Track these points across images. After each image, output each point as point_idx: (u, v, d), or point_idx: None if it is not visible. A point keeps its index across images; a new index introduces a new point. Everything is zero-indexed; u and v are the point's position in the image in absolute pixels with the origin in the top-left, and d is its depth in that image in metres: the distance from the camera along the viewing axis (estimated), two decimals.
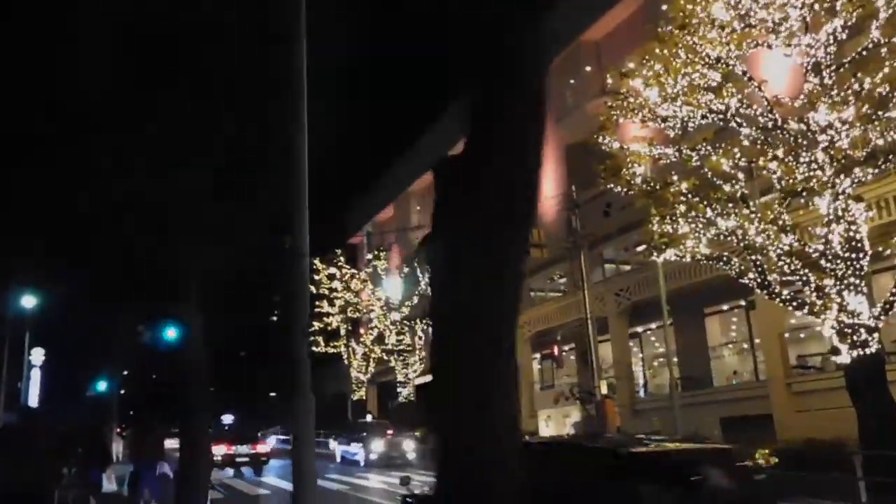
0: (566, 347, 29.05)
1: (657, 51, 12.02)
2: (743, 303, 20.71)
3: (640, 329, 23.77)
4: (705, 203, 11.46)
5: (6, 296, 23.85)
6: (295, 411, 4.82)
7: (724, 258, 12.15)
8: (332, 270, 31.09)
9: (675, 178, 11.64)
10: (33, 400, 30.03)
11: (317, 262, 31.19)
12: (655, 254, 12.45)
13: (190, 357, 8.61)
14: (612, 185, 13.35)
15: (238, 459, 24.29)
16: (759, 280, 11.67)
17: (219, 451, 23.43)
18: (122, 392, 39.41)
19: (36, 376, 30.41)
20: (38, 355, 30.18)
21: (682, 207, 11.69)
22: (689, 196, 11.54)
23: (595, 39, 25.75)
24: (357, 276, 29.41)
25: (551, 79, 27.25)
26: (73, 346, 37.36)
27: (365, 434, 25.02)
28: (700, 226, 11.68)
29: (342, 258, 29.10)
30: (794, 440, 14.49)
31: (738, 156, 10.97)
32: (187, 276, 8.63)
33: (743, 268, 11.99)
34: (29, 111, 9.35)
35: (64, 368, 35.49)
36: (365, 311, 29.14)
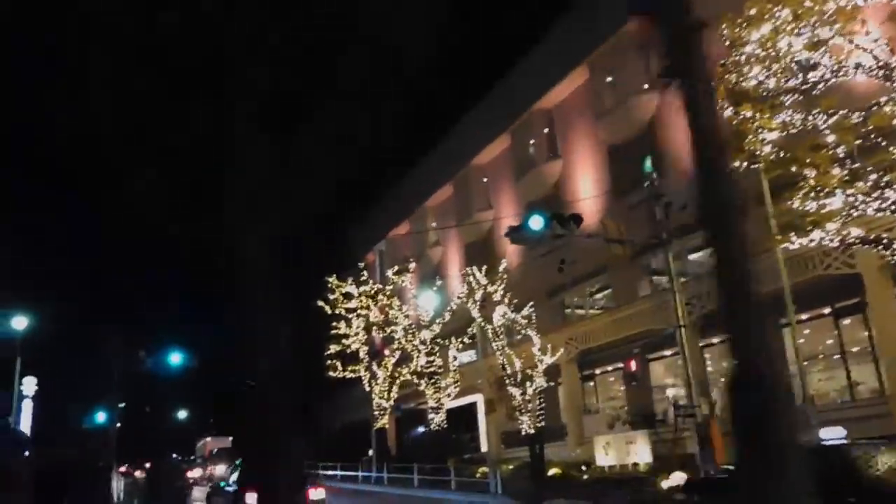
0: (609, 368, 26.68)
1: None
2: (827, 311, 18.42)
3: (701, 343, 21.38)
4: (867, 169, 9.21)
5: None
6: None
7: (884, 241, 9.86)
8: (350, 289, 28.62)
9: (830, 138, 9.36)
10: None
11: (332, 279, 28.76)
12: (794, 237, 10.14)
13: (277, 358, 6.15)
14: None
15: None
16: None
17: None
18: (119, 425, 36.59)
19: (27, 408, 27.60)
20: (30, 385, 27.42)
21: (835, 175, 9.40)
22: (848, 161, 9.27)
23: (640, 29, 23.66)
24: (383, 291, 26.92)
25: (589, 74, 25.19)
26: (67, 373, 34.62)
27: None
28: (859, 199, 9.38)
29: (365, 272, 26.66)
30: None
31: None
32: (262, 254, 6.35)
33: None
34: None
35: (57, 398, 32.71)
36: (389, 330, 26.63)
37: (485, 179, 32.87)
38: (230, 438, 39.30)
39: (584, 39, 25.31)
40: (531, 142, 29.28)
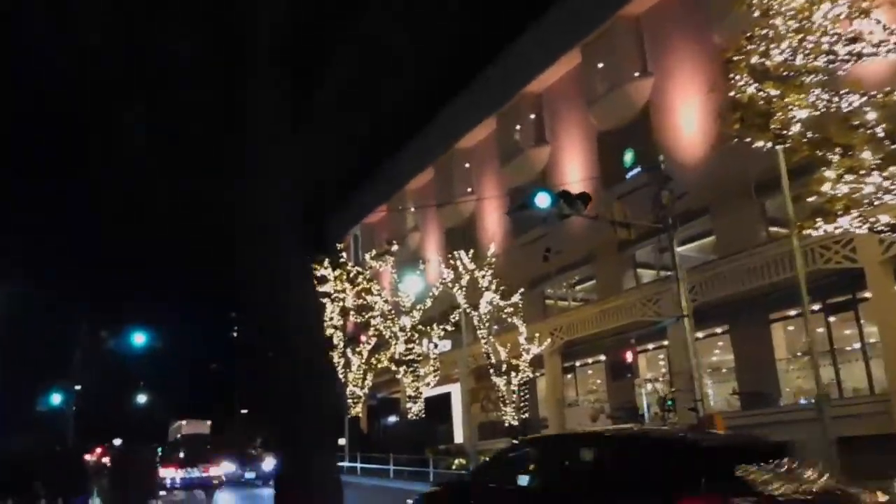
0: (589, 360, 26.19)
1: None
2: (817, 307, 18.03)
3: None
4: None
5: None
6: None
7: None
8: (324, 272, 27.56)
9: (869, 115, 8.75)
10: None
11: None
12: (821, 222, 9.54)
13: (306, 332, 5.25)
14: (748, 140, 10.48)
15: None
16: None
17: (168, 474, 21.61)
18: (75, 408, 34.93)
19: None
20: None
21: (867, 159, 8.81)
22: (887, 142, 8.68)
23: (635, 14, 23.04)
24: (363, 274, 25.93)
25: (581, 60, 24.49)
26: (21, 354, 32.91)
27: None
28: (892, 184, 8.81)
29: (344, 254, 25.63)
30: None
31: None
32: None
33: None
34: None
35: (10, 380, 31.02)
36: (367, 316, 25.70)
37: (467, 165, 32.06)
38: (208, 423, 37.67)
39: (577, 23, 24.59)
40: (518, 127, 28.52)
